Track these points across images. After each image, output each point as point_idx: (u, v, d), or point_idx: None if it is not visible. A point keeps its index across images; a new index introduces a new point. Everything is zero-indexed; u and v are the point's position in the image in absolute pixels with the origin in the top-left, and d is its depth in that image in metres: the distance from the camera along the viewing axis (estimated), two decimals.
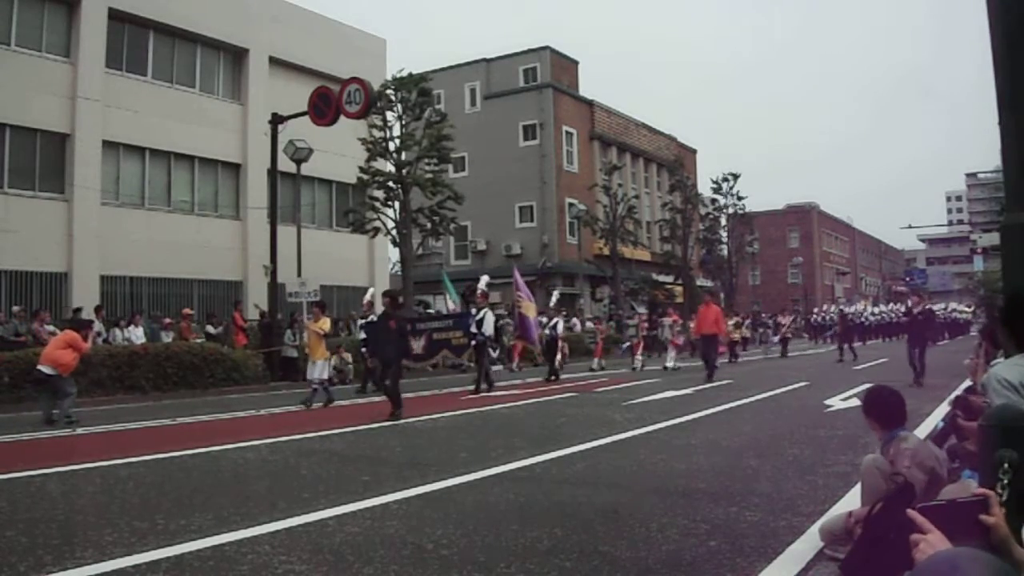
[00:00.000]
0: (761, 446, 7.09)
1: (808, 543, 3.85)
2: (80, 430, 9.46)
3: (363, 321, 15.14)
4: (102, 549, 3.93)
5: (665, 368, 18.72)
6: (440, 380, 17.04)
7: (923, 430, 7.09)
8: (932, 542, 1.29)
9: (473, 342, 13.76)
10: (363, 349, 14.43)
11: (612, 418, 9.55)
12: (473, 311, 14.31)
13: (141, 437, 8.89)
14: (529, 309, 16.54)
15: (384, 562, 3.65)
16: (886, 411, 3.74)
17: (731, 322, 23.81)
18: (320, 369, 11.91)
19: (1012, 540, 1.36)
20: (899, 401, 3.79)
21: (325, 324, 12.08)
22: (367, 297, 16.07)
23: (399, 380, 10.16)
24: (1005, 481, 1.49)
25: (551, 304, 18.96)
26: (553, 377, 16.26)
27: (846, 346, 22.34)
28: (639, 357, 20.03)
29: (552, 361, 16.67)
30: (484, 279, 15.76)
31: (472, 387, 13.66)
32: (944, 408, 8.86)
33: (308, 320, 13.33)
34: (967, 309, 46.80)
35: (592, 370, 19.12)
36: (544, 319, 18.75)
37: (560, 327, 17.51)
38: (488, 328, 13.85)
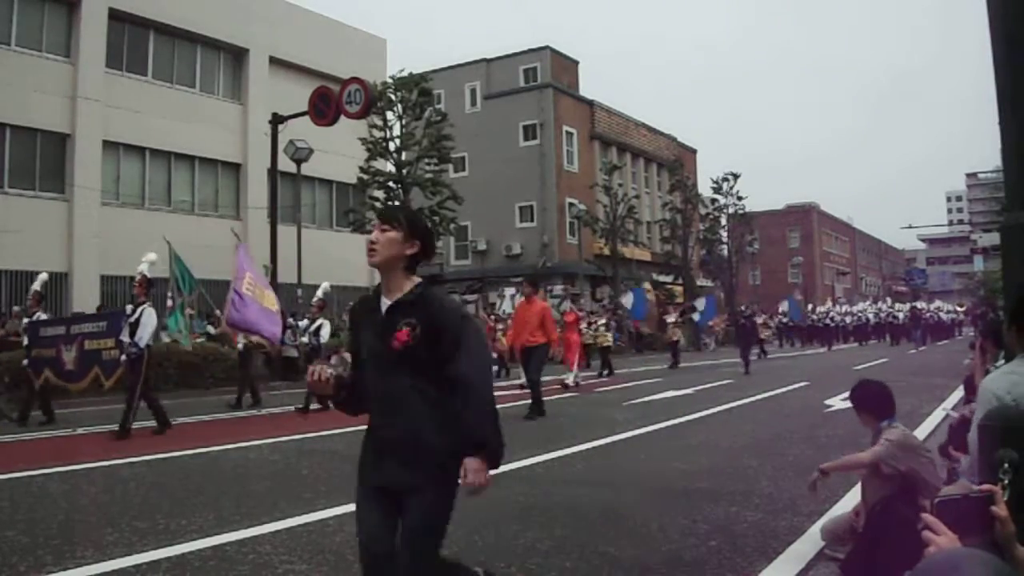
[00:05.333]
0: (761, 446, 7.10)
1: (808, 543, 3.85)
2: (80, 430, 9.46)
3: (28, 320, 10.53)
4: (103, 549, 3.94)
5: (565, 385, 13.95)
6: None
7: (923, 431, 7.11)
8: (943, 546, 1.30)
9: (124, 356, 8.93)
10: (24, 362, 10.12)
11: (612, 418, 9.55)
12: (128, 308, 9.50)
13: (141, 437, 8.89)
14: (263, 296, 11.46)
15: None
16: (878, 403, 3.77)
17: (600, 322, 19.04)
18: None
19: (1015, 539, 1.36)
20: (888, 392, 3.85)
21: None
22: (35, 286, 10.72)
23: None
24: (1005, 481, 1.49)
25: (317, 299, 13.06)
26: (316, 407, 10.63)
27: (764, 353, 21.27)
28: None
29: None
30: (150, 256, 9.73)
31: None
32: (946, 405, 8.86)
33: None
34: (959, 308, 46.23)
35: (565, 385, 13.89)
36: (304, 322, 13.75)
37: (326, 332, 12.53)
38: (145, 335, 8.84)
